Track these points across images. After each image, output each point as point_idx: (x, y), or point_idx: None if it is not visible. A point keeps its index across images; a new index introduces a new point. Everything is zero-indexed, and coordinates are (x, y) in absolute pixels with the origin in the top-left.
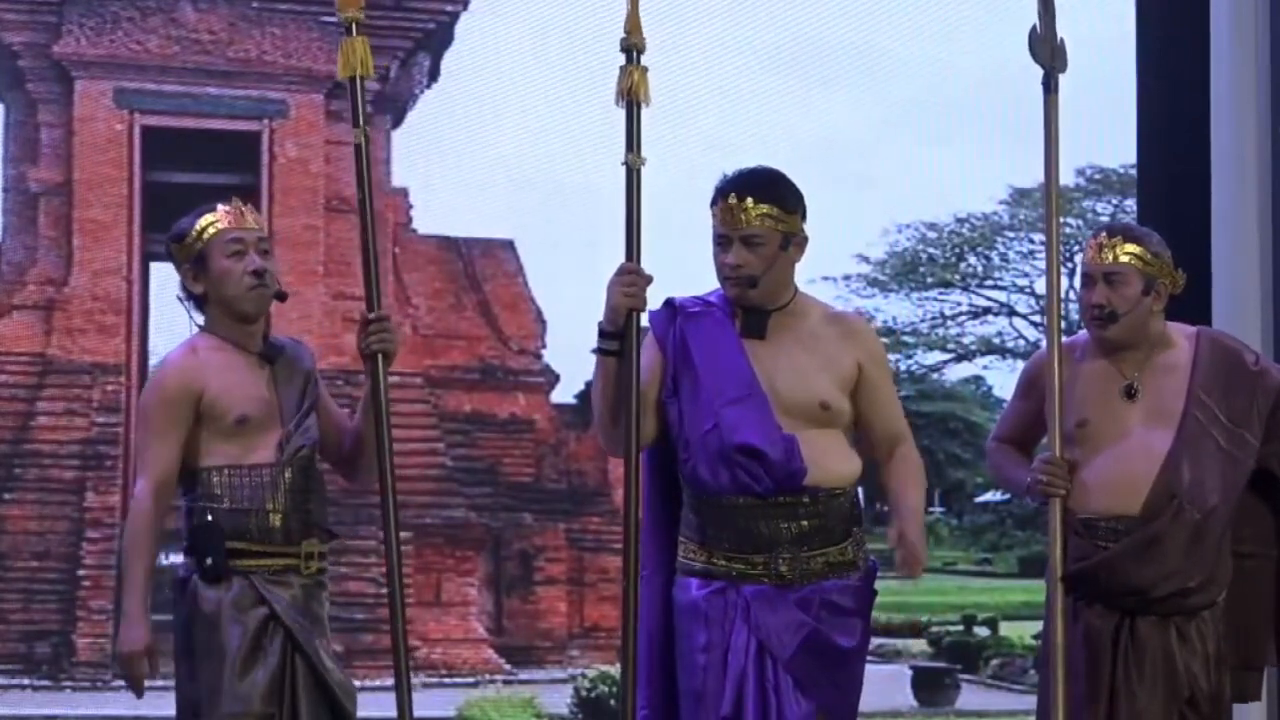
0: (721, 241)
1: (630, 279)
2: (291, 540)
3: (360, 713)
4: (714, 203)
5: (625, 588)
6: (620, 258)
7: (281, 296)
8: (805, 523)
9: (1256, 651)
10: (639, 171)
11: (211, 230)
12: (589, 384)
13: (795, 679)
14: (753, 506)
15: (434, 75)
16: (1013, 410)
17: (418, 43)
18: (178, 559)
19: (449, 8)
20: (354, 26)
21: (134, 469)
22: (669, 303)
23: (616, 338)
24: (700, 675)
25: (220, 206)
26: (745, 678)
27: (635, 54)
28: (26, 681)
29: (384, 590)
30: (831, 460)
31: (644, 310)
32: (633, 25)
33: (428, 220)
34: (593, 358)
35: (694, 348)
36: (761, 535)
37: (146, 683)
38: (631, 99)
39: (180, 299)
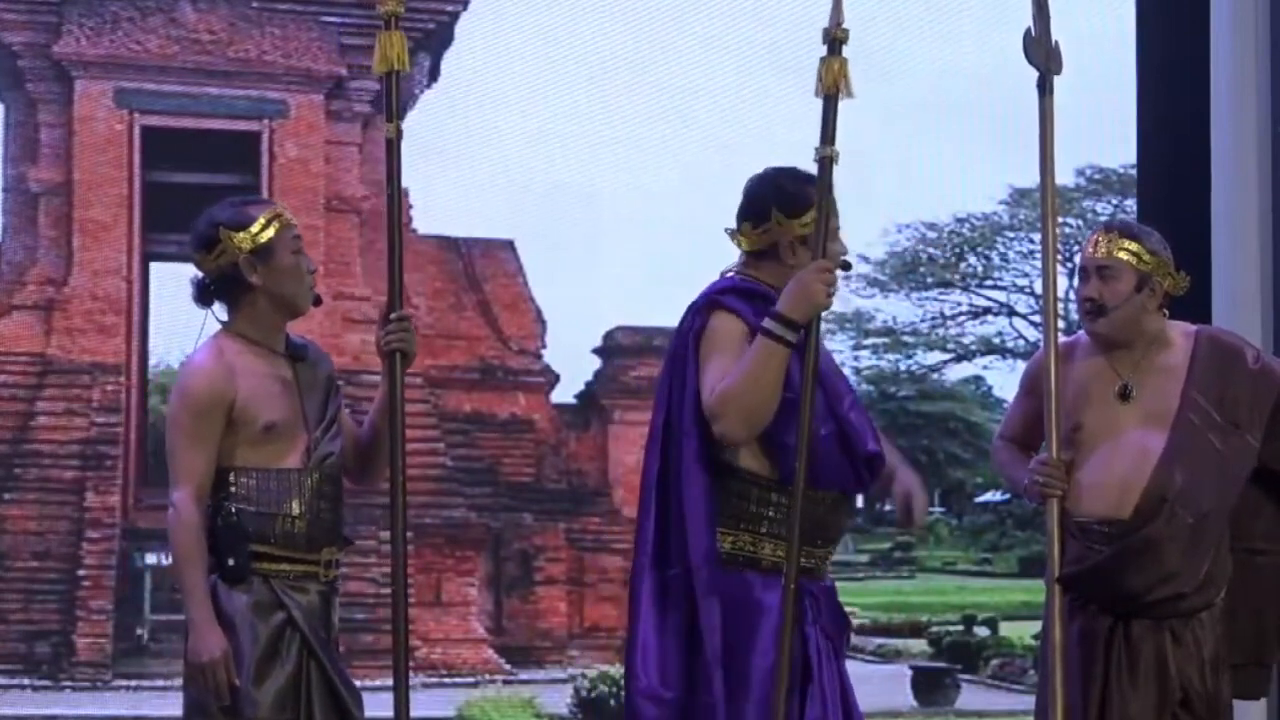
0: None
1: (831, 276)
2: (313, 547)
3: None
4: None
5: (786, 582)
6: (620, 256)
7: (317, 300)
8: (849, 521)
9: (1270, 648)
10: (833, 164)
11: (279, 223)
12: (589, 384)
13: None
14: (835, 501)
15: (434, 75)
16: (1016, 409)
17: (418, 43)
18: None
19: (449, 8)
20: (393, 20)
21: (133, 469)
22: (750, 290)
23: (798, 330)
24: (750, 674)
25: (266, 201)
26: (823, 675)
27: (837, 45)
28: (26, 681)
29: (384, 590)
30: None
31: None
32: (837, 16)
33: (428, 220)
34: (591, 357)
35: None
36: (831, 529)
37: (145, 682)
38: (832, 91)
39: (201, 294)
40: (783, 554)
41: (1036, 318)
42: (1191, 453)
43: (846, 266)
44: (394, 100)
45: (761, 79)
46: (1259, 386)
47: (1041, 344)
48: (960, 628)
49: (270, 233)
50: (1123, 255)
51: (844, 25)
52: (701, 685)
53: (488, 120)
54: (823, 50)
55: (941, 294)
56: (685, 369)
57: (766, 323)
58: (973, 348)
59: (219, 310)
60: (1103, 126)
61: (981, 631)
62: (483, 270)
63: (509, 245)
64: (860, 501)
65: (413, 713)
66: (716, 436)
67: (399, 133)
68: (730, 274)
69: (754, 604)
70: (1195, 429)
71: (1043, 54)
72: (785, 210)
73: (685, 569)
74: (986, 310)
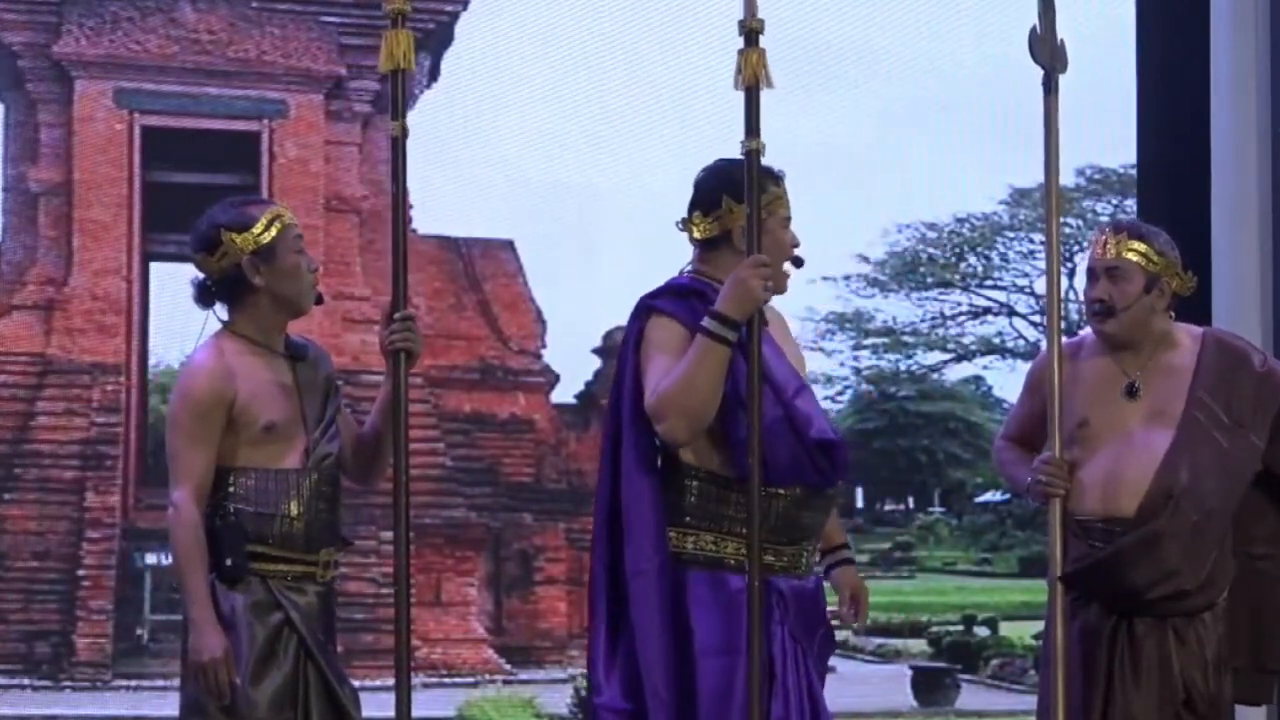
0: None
1: (767, 270)
2: (311, 548)
3: (361, 713)
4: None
5: (750, 585)
6: (620, 256)
7: (319, 299)
8: (824, 516)
9: (1271, 654)
10: (759, 157)
11: (280, 223)
12: (589, 384)
13: (818, 674)
14: (801, 497)
15: (434, 75)
16: (1019, 410)
17: (418, 43)
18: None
19: (449, 8)
20: (400, 19)
21: (133, 469)
22: (684, 289)
23: (738, 328)
24: (732, 673)
25: (266, 201)
26: (787, 674)
27: (754, 37)
28: (26, 681)
29: (384, 590)
30: None
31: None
32: (751, 9)
33: (428, 220)
34: (591, 357)
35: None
36: (800, 526)
37: (145, 682)
38: (751, 83)
39: (203, 295)
40: (745, 553)
41: (1036, 318)
42: (1198, 450)
43: (799, 263)
44: (400, 99)
45: None
46: (1264, 389)
47: (1043, 344)
48: (960, 628)
49: (272, 233)
50: (1132, 256)
51: (759, 16)
52: (646, 690)
53: (488, 120)
54: (819, 52)
55: (941, 294)
56: (625, 375)
57: (705, 321)
58: (973, 348)
59: (219, 310)
60: (1103, 126)
61: (981, 631)
62: (483, 270)
63: (509, 245)
64: (861, 501)
65: (413, 712)
66: (660, 437)
67: (405, 131)
68: (683, 272)
69: (726, 600)
70: (1201, 426)
71: (1048, 52)
72: (736, 196)
73: (625, 576)
74: (986, 310)
